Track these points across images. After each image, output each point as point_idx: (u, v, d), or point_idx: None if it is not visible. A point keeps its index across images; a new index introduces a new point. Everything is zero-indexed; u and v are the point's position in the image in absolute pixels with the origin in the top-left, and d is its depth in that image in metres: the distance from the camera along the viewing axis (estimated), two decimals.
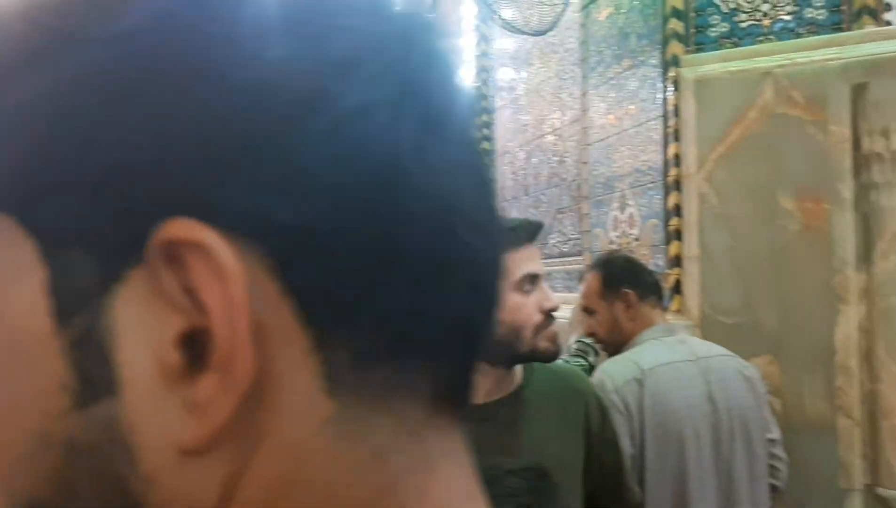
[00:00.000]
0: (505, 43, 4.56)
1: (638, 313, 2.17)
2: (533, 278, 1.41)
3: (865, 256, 2.52)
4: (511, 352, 1.40)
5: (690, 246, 2.85)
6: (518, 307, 1.39)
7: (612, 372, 2.03)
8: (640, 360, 2.04)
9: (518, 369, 1.49)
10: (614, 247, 3.30)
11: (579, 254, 3.77)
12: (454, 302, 0.29)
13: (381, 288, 0.27)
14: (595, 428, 1.53)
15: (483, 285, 0.30)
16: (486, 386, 1.44)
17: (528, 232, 1.45)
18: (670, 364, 2.04)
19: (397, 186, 0.27)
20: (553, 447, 1.44)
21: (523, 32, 3.47)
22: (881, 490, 2.49)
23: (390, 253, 0.27)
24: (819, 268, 2.57)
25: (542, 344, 1.41)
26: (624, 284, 2.18)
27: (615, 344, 2.19)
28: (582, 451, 1.49)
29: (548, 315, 1.42)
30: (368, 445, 0.27)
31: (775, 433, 2.18)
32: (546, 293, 1.44)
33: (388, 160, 0.27)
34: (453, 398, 0.30)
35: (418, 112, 0.28)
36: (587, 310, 2.27)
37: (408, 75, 0.28)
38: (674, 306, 2.91)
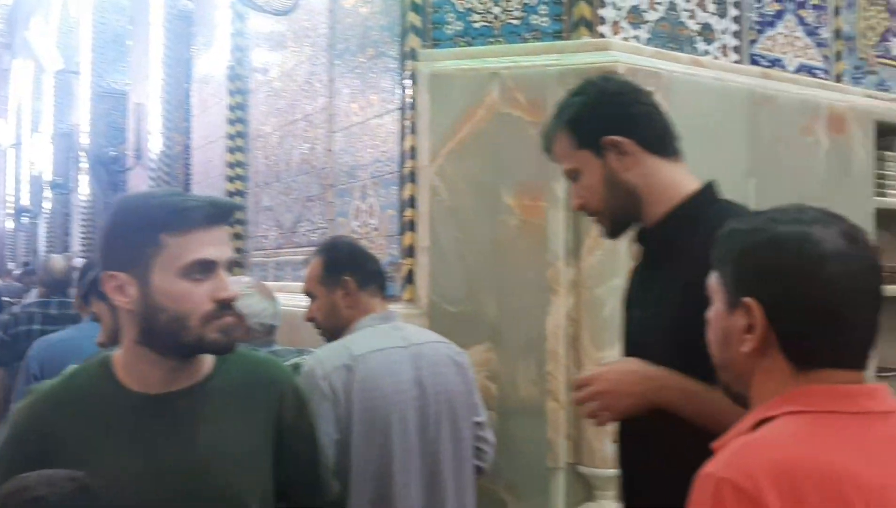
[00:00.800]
0: (260, 23, 4.43)
1: (357, 300, 2.18)
2: (206, 265, 1.31)
3: (575, 251, 2.71)
4: (175, 341, 1.31)
5: (422, 237, 2.92)
6: (183, 295, 1.29)
7: (322, 358, 2.02)
8: (353, 346, 2.05)
9: (208, 359, 1.40)
10: (357, 236, 3.31)
11: None
12: None
13: None
14: (289, 420, 1.45)
15: None
16: (157, 376, 1.35)
17: (207, 214, 1.32)
18: (382, 351, 2.07)
19: None
20: (235, 441, 1.37)
21: (264, 11, 3.39)
22: (582, 468, 2.69)
23: None
24: (535, 261, 2.73)
25: (211, 335, 1.31)
26: (345, 271, 2.18)
27: (332, 330, 2.19)
28: (271, 445, 1.42)
29: (222, 305, 1.33)
30: None
31: (482, 417, 2.27)
32: (222, 282, 1.33)
33: None
34: None
35: None
36: (308, 294, 2.24)
37: None
38: (406, 295, 2.97)
